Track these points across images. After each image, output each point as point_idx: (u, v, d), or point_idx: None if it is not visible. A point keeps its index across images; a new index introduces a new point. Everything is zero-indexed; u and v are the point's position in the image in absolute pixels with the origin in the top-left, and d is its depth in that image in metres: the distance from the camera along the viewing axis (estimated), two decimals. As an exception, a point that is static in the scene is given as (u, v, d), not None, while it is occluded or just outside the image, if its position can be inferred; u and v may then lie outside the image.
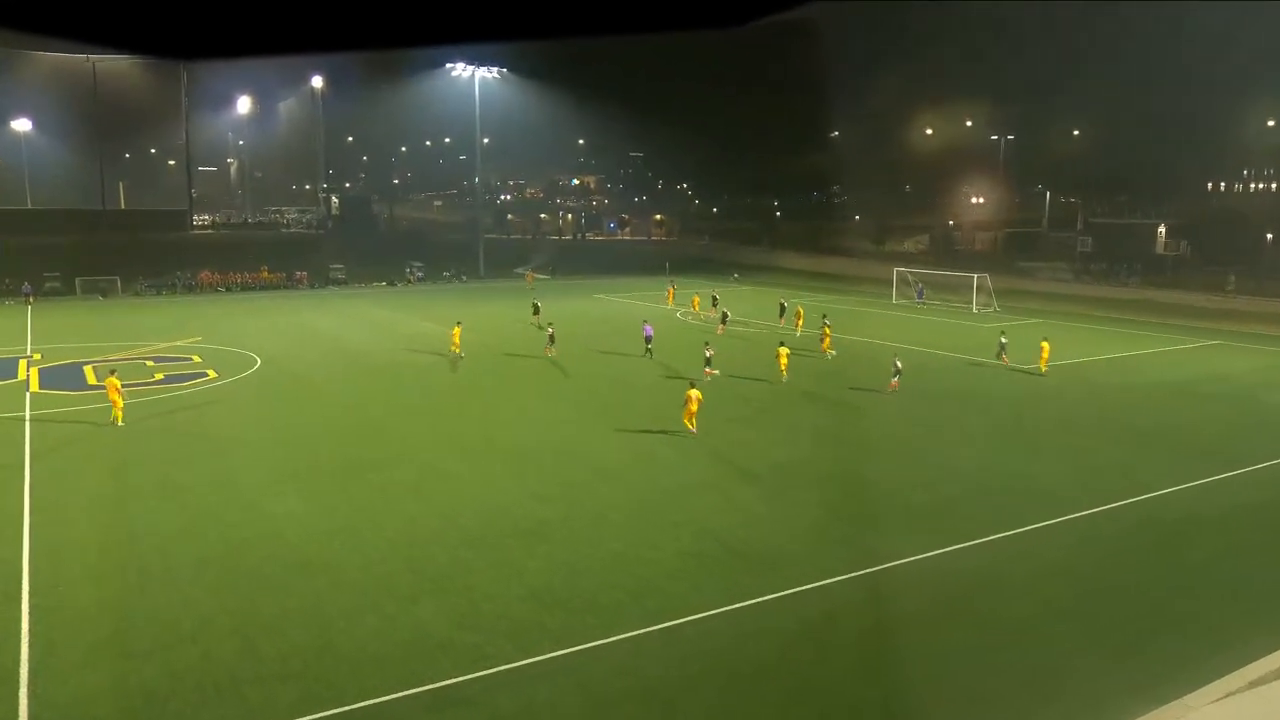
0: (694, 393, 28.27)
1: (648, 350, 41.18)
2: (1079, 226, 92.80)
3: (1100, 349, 46.02)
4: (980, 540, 19.46)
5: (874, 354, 42.54)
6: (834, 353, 42.21)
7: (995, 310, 60.82)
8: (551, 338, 42.23)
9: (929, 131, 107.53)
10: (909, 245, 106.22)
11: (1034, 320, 57.12)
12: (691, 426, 28.06)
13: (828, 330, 43.69)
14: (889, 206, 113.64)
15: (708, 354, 37.29)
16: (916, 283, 67.38)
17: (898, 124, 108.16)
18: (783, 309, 50.53)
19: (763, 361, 39.75)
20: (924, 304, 64.32)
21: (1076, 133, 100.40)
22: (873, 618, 16.25)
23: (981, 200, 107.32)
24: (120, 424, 28.82)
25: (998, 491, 22.98)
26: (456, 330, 42.09)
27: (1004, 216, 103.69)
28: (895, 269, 71.21)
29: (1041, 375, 38.14)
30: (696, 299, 60.51)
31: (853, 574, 17.61)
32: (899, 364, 34.88)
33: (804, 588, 16.97)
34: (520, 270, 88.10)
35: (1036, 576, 17.86)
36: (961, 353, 43.93)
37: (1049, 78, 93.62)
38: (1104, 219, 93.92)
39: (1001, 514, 21.13)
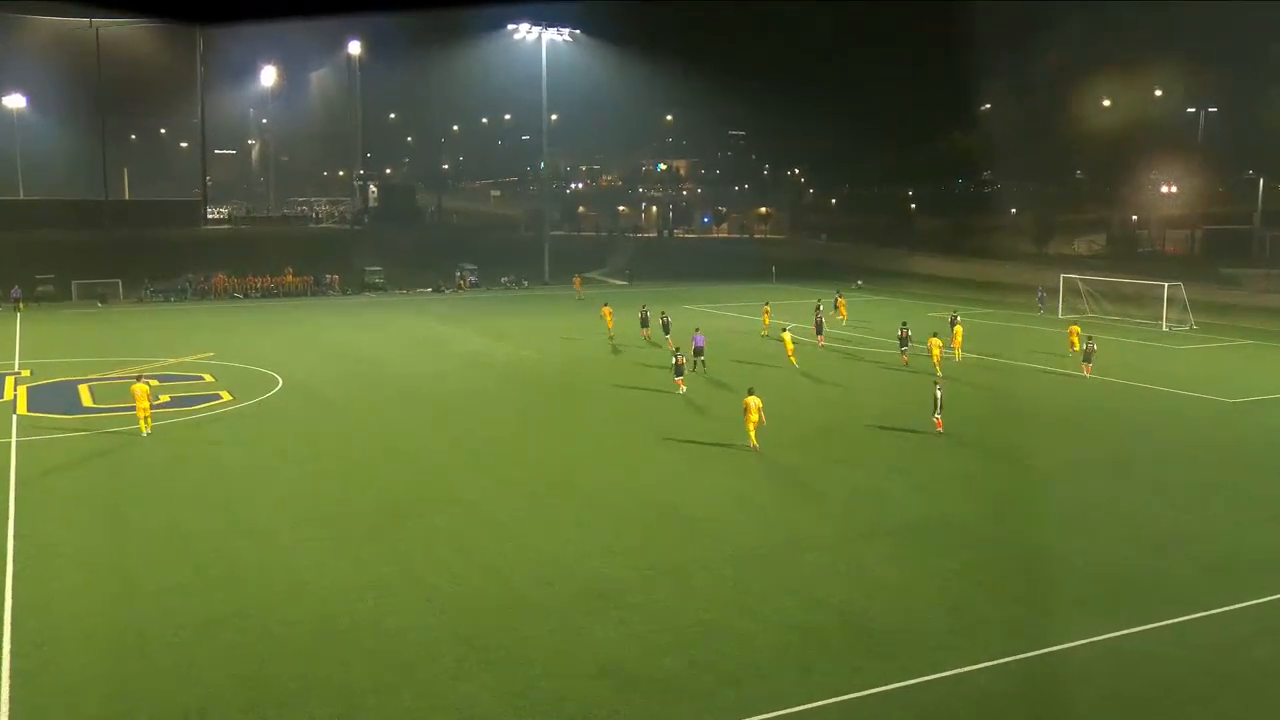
0: (752, 400, 30.13)
1: (699, 363, 43.16)
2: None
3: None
4: (1173, 620, 18.81)
5: (1030, 382, 41.95)
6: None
7: (1191, 328, 58.97)
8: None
9: (1106, 103, 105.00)
10: (1079, 246, 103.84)
11: (1241, 341, 55.22)
12: (753, 441, 30.05)
13: (942, 342, 44.91)
14: (1054, 198, 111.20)
15: (674, 360, 39.41)
16: (1039, 289, 69.86)
17: (1066, 94, 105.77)
18: (955, 322, 50.16)
19: (900, 399, 39.36)
20: (1044, 312, 66.81)
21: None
22: (1028, 718, 15.85)
23: (1174, 190, 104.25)
24: (147, 433, 32.41)
25: (1197, 558, 22.22)
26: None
27: (1203, 210, 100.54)
28: (1061, 275, 69.73)
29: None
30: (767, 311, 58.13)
31: (1005, 659, 17.21)
32: (940, 394, 33.10)
33: (941, 675, 16.62)
34: (603, 273, 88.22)
35: (1249, 672, 17.17)
36: (1139, 380, 42.81)
37: (1267, 29, 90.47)
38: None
39: (1202, 587, 20.44)
